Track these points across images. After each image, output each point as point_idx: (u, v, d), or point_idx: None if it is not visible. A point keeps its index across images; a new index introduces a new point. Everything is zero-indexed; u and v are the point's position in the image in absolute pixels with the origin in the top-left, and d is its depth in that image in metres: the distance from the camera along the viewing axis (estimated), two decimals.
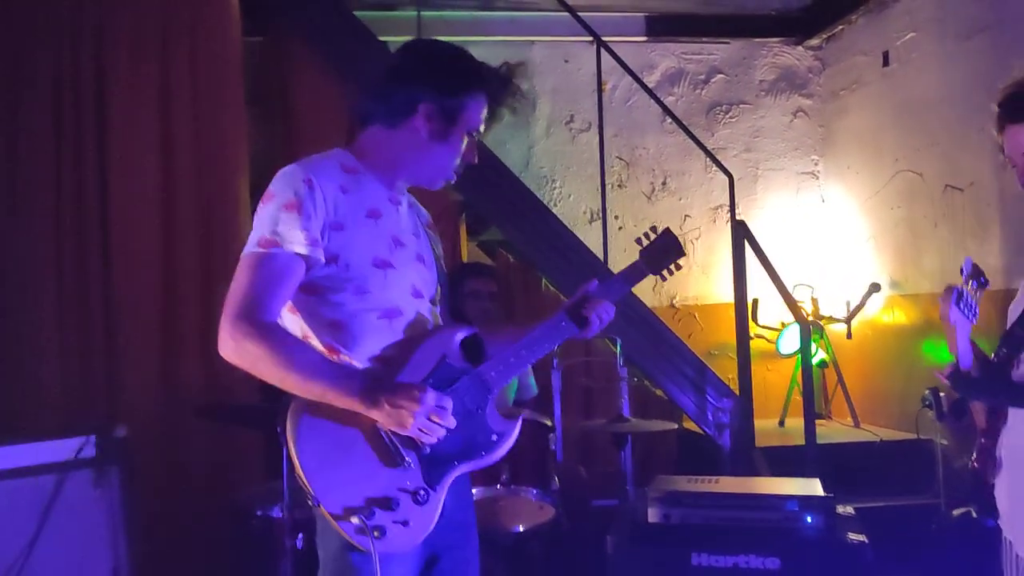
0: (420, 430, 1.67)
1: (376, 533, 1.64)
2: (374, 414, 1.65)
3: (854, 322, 5.12)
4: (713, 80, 5.65)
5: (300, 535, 3.04)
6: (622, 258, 5.23)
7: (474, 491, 2.86)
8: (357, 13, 4.31)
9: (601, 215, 4.65)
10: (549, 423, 3.11)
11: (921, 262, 4.74)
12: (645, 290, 5.26)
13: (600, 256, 4.43)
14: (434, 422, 1.67)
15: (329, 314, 1.74)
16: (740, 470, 4.13)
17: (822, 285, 5.47)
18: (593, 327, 1.96)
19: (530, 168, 5.44)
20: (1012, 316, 2.00)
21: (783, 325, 5.21)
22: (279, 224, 1.67)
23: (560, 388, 3.55)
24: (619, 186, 5.51)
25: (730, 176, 4.62)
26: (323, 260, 1.70)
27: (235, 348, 1.63)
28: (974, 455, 2.04)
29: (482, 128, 1.87)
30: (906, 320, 4.83)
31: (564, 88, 5.49)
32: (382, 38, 4.32)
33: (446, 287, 1.96)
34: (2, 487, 2.75)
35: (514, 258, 4.59)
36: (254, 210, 1.73)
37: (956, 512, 3.45)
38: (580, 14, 4.47)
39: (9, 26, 3.68)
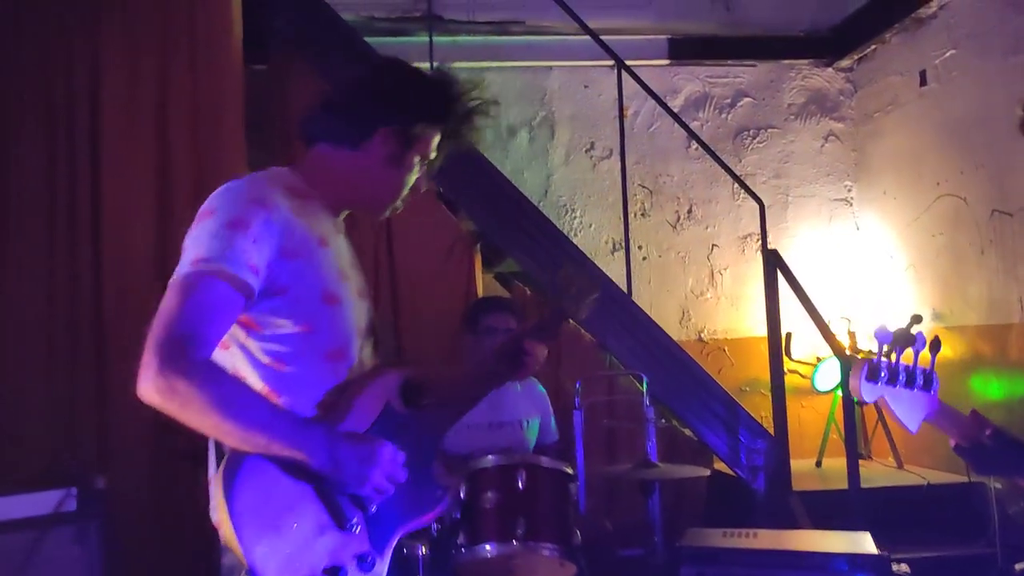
0: (375, 489, 1.52)
1: None
2: (328, 470, 1.47)
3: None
4: (740, 104, 5.45)
5: None
6: (646, 290, 5.06)
7: (488, 547, 2.63)
8: (368, 39, 4.17)
9: (624, 245, 4.42)
10: (570, 471, 2.86)
11: (967, 292, 4.46)
12: (672, 324, 5.03)
13: (624, 288, 4.20)
14: (389, 480, 1.54)
15: (271, 353, 1.55)
16: (776, 516, 3.86)
17: (858, 317, 5.20)
18: (528, 369, 1.92)
19: (549, 197, 5.25)
20: None
21: (818, 359, 4.94)
22: (221, 243, 1.47)
23: (582, 430, 3.32)
24: (642, 215, 5.31)
25: (761, 203, 4.39)
26: (256, 292, 1.50)
27: (162, 387, 1.38)
28: None
29: (432, 155, 1.76)
30: (952, 354, 4.53)
31: (583, 114, 5.31)
32: None
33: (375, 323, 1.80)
34: None
35: (532, 291, 4.38)
36: None
37: (1020, 566, 3.17)
38: (600, 37, 4.29)
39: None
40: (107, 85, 3.62)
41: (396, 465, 1.55)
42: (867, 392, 1.63)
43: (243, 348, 1.56)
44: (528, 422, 3.62)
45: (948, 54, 4.56)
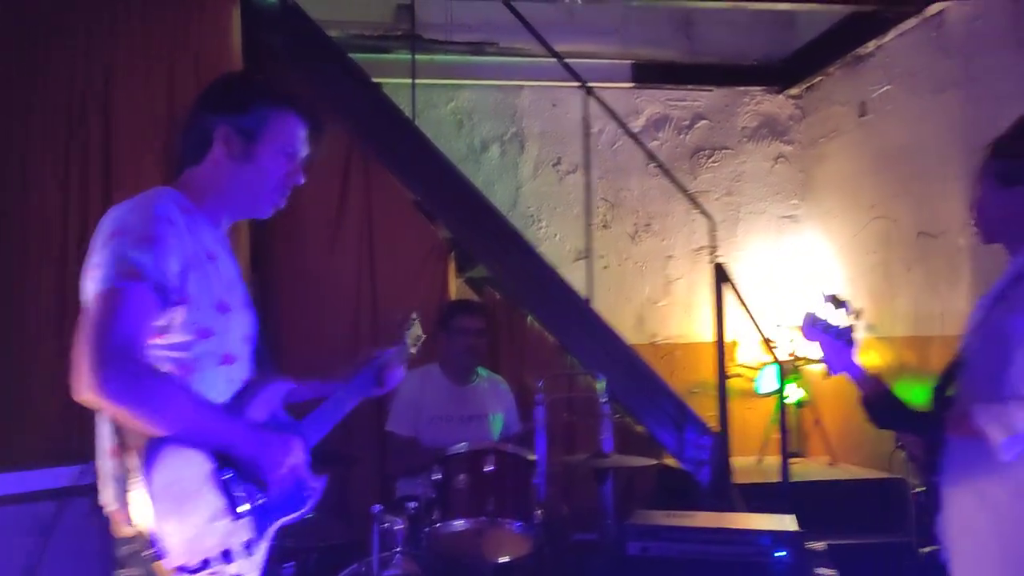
0: (288, 473, 1.76)
1: None
2: (253, 450, 1.69)
3: None
4: (697, 126, 5.83)
5: (292, 563, 3.12)
6: (606, 296, 5.44)
7: (461, 522, 2.97)
8: (353, 55, 4.45)
9: (586, 254, 4.77)
10: (532, 458, 3.20)
11: (895, 305, 4.89)
12: (627, 327, 5.38)
13: (585, 294, 4.55)
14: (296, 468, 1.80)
15: (174, 357, 1.66)
16: (718, 506, 4.20)
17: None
18: (387, 388, 2.33)
19: (517, 208, 5.58)
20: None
21: (762, 365, 5.34)
22: (140, 256, 1.58)
23: (544, 423, 3.63)
24: (604, 227, 5.66)
25: (711, 219, 4.77)
26: (174, 298, 1.63)
27: (123, 387, 1.51)
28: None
29: (303, 149, 1.86)
30: (880, 362, 4.96)
31: (552, 131, 5.65)
32: (376, 79, 4.46)
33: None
34: (1, 513, 2.83)
35: (500, 295, 4.69)
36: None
37: (924, 550, 3.55)
38: (568, 61, 4.62)
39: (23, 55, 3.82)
40: (118, 97, 3.85)
41: (301, 455, 1.80)
42: (808, 334, 2.09)
43: (151, 353, 1.64)
44: (493, 415, 3.96)
45: (884, 89, 4.99)
